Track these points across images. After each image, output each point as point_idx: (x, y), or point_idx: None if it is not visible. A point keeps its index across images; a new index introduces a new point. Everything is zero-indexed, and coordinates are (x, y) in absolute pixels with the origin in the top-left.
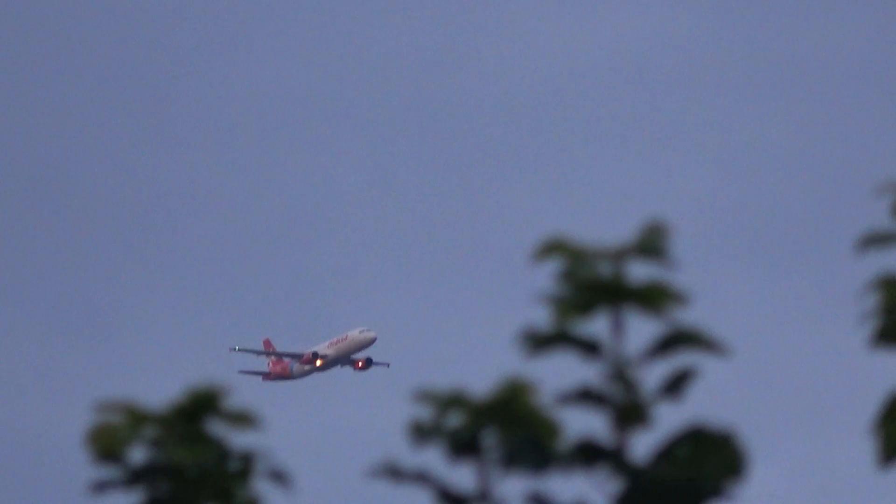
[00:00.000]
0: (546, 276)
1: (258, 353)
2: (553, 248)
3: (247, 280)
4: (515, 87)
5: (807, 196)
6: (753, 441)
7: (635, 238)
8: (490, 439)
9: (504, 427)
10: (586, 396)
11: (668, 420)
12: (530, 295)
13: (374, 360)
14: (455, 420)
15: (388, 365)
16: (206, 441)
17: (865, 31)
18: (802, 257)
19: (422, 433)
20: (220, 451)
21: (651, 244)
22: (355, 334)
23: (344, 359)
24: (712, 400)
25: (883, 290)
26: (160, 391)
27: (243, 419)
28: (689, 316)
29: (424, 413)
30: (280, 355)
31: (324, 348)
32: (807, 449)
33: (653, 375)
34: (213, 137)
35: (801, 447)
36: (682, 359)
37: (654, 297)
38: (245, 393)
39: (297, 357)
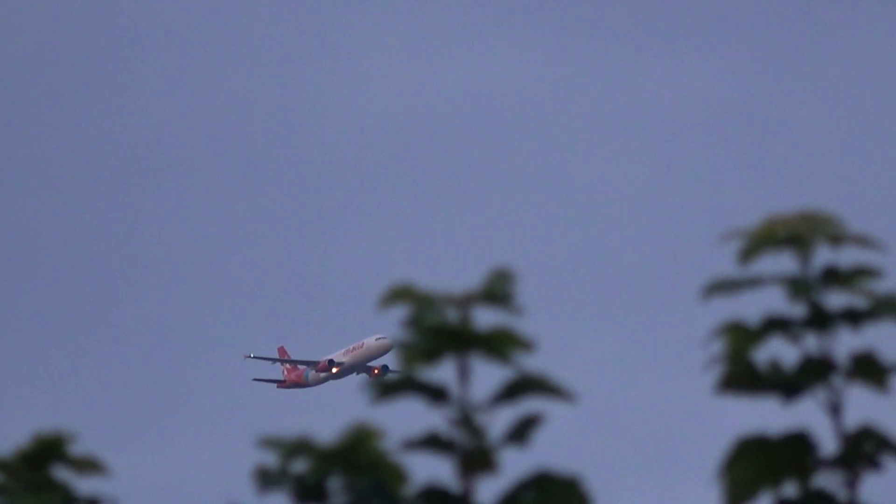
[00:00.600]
0: (392, 323)
1: (273, 360)
2: (399, 294)
3: (258, 287)
4: (364, 135)
5: (653, 243)
6: (599, 487)
7: (481, 284)
8: (336, 485)
9: (350, 473)
10: (433, 442)
11: (515, 466)
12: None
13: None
14: (301, 466)
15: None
16: (52, 488)
17: (709, 80)
18: (649, 304)
19: (267, 479)
20: (66, 498)
21: (497, 291)
22: (372, 342)
23: (360, 366)
24: (558, 446)
25: (727, 337)
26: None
27: (89, 465)
28: (535, 362)
29: (270, 459)
30: (295, 363)
31: (340, 356)
32: (653, 495)
33: (499, 421)
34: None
35: (648, 493)
36: (529, 405)
37: (500, 344)
38: (260, 401)
39: (312, 364)
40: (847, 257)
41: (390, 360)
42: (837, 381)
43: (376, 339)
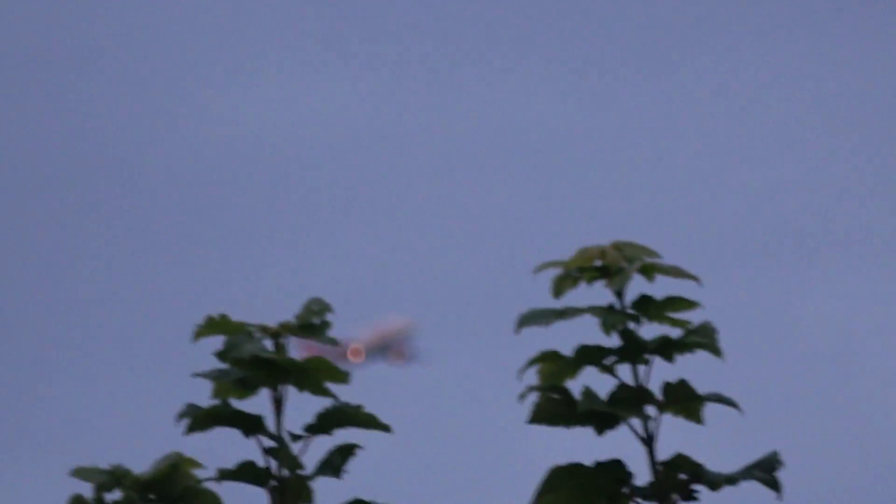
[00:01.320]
0: (208, 353)
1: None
2: (213, 326)
3: None
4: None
5: (467, 274)
6: None
7: (296, 315)
8: None
9: (165, 503)
10: (247, 473)
11: (330, 496)
12: (192, 372)
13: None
14: (115, 496)
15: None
16: None
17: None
18: (464, 334)
19: None
20: None
21: (311, 322)
22: (394, 320)
23: (381, 350)
24: (373, 476)
25: (541, 368)
26: None
27: None
28: (350, 392)
29: (84, 489)
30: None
31: (360, 336)
32: None
33: (313, 452)
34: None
35: None
36: (343, 435)
37: (314, 374)
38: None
39: (334, 345)
40: (661, 288)
41: (411, 343)
42: (652, 410)
43: (397, 318)
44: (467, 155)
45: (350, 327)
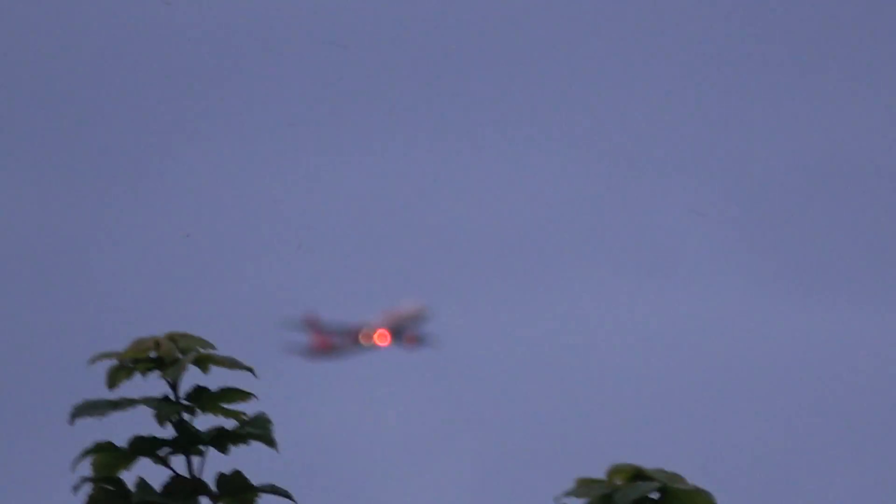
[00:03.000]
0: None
1: (305, 322)
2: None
3: None
4: None
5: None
6: None
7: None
8: None
9: None
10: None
11: None
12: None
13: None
14: None
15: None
16: None
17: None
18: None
19: None
20: None
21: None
22: (407, 305)
23: (395, 335)
24: None
25: (95, 459)
26: None
27: None
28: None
29: None
30: (327, 329)
31: (374, 321)
32: None
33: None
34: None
35: None
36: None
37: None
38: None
39: (345, 331)
40: (216, 379)
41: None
42: (206, 502)
43: (411, 303)
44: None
45: (363, 313)
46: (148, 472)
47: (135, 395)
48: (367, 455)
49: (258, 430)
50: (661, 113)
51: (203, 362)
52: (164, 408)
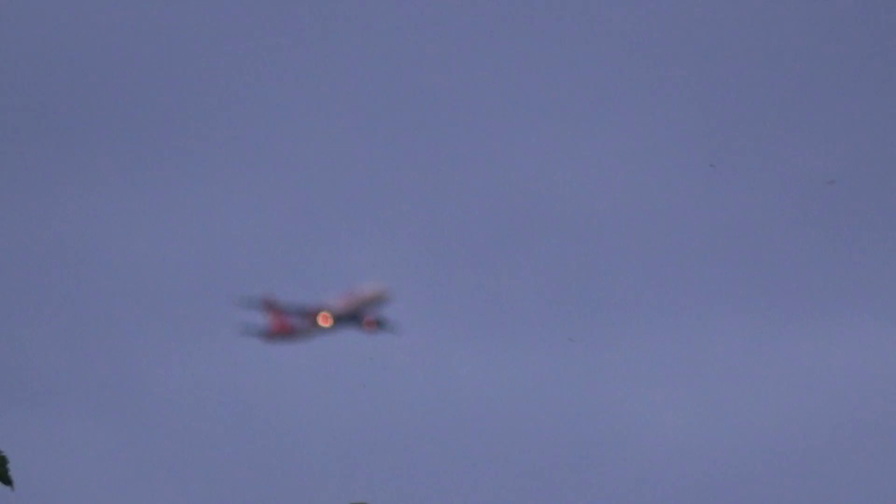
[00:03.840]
0: None
1: (262, 303)
2: None
3: None
4: None
5: None
6: None
7: None
8: None
9: None
10: None
11: None
12: None
13: (386, 321)
14: None
15: (396, 331)
16: None
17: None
18: None
19: None
20: None
21: None
22: (368, 287)
23: (355, 317)
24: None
25: None
26: None
27: None
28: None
29: None
30: (285, 310)
31: (333, 303)
32: None
33: None
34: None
35: None
36: None
37: None
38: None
39: (303, 313)
40: None
41: (385, 311)
42: None
43: (372, 285)
44: None
45: (323, 294)
46: None
47: None
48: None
49: None
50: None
51: None
52: None
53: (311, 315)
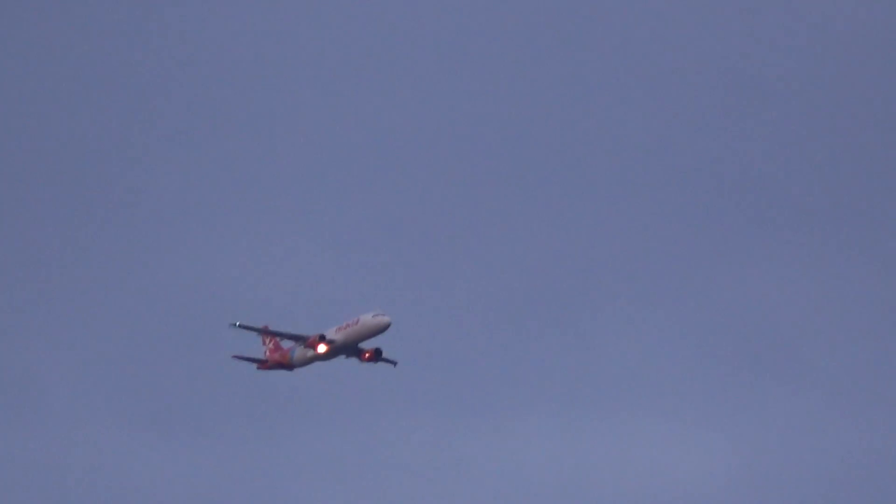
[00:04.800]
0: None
1: (260, 331)
2: None
3: None
4: None
5: None
6: None
7: None
8: None
9: None
10: None
11: None
12: None
13: (385, 353)
14: None
15: (396, 364)
16: None
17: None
18: None
19: None
20: None
21: None
22: (368, 318)
23: (352, 347)
24: None
25: None
26: None
27: None
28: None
29: None
30: (282, 336)
31: (332, 333)
32: None
33: None
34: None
35: None
36: None
37: None
38: (237, 384)
39: (300, 340)
40: None
41: (385, 341)
42: None
43: (373, 316)
44: None
45: (321, 323)
46: None
47: None
48: None
49: None
50: None
51: None
52: None
53: (309, 344)
